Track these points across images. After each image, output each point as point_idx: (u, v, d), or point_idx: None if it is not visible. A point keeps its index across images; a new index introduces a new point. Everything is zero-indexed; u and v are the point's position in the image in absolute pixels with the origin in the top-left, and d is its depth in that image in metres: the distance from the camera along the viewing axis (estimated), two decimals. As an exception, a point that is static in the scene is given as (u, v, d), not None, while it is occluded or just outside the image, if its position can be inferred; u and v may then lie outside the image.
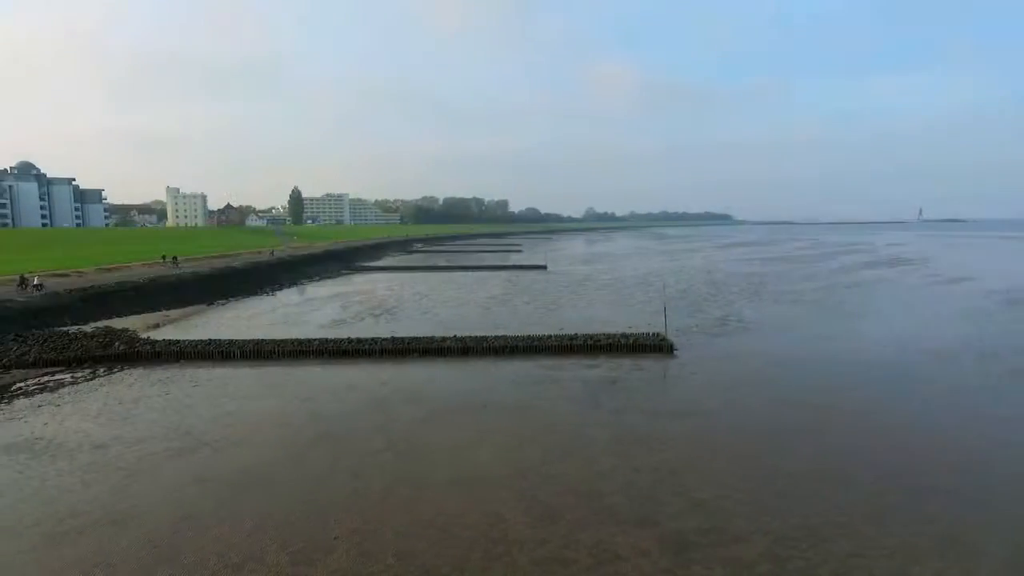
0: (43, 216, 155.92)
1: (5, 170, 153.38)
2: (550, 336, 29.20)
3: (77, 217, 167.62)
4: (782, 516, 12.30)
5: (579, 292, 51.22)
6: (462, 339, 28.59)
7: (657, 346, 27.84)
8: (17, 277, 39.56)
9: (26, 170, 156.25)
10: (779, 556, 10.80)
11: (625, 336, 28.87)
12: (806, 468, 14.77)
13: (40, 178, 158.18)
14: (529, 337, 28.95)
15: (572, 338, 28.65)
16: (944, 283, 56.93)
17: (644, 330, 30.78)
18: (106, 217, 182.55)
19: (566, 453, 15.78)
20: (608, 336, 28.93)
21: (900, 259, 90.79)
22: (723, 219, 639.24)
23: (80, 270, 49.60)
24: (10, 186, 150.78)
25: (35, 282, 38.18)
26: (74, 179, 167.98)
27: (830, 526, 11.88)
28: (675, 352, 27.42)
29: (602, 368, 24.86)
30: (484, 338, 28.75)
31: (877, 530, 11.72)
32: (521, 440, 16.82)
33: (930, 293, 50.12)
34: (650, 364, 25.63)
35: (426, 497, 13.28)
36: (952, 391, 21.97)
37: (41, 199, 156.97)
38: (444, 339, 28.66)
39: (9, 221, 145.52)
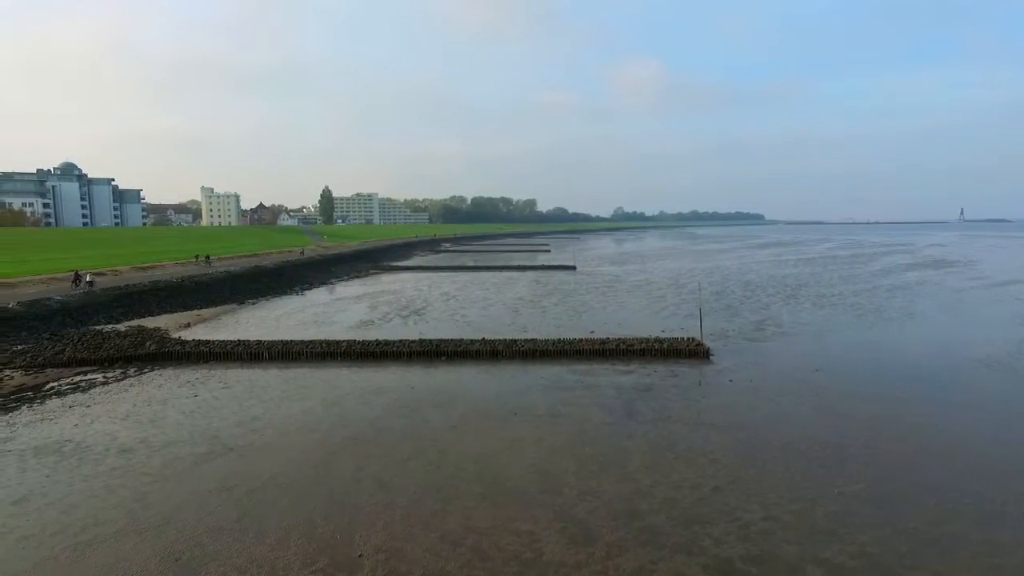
0: (84, 215, 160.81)
1: (48, 170, 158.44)
2: (581, 340, 28.44)
3: (116, 216, 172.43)
4: (837, 542, 11.39)
5: (609, 294, 50.24)
6: (491, 342, 28.00)
7: (693, 351, 26.85)
8: (72, 274, 40.71)
9: (68, 171, 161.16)
10: (837, 589, 9.93)
11: (659, 341, 27.95)
12: (859, 488, 13.77)
13: (81, 178, 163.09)
14: (559, 341, 28.24)
15: (604, 342, 27.85)
16: (991, 286, 54.44)
17: (678, 334, 29.83)
18: (143, 216, 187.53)
19: (601, 467, 15.04)
20: (641, 340, 28.04)
21: (943, 261, 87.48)
22: (755, 219, 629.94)
23: (116, 268, 50.44)
24: (53, 186, 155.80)
25: (87, 279, 39.38)
26: (113, 179, 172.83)
27: (891, 555, 10.94)
28: (711, 358, 26.42)
29: (636, 374, 24.01)
30: (514, 341, 28.12)
31: (945, 563, 10.74)
32: (553, 451, 16.14)
33: (977, 297, 47.86)
34: (686, 370, 24.68)
35: (455, 512, 12.70)
36: (1010, 404, 20.57)
37: (82, 199, 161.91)
38: (473, 342, 28.10)
39: (52, 220, 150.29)
